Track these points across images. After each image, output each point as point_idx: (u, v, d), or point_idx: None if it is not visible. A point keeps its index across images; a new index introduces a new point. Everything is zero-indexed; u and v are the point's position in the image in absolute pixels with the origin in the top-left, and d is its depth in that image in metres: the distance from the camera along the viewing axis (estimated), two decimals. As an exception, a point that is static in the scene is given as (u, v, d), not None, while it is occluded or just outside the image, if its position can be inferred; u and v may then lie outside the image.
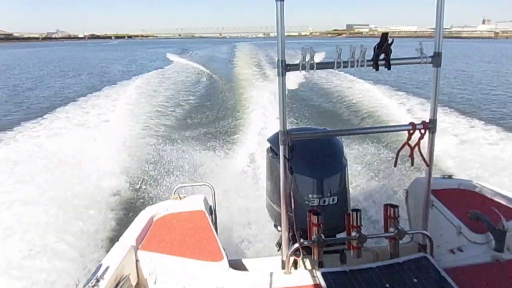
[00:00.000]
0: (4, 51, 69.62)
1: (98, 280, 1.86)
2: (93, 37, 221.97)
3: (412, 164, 2.08)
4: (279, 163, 2.13)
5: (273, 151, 2.58)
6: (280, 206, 2.23)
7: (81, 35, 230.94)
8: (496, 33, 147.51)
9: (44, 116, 11.09)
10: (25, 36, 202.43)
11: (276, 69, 1.93)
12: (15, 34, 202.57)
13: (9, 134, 8.99)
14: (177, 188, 2.81)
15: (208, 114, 12.20)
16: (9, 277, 3.67)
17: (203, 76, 22.36)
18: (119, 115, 10.90)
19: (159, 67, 27.44)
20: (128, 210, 5.24)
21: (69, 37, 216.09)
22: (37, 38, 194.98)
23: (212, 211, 2.74)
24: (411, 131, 2.04)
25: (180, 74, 22.69)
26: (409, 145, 2.06)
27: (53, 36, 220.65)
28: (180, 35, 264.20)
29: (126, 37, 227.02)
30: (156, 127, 10.15)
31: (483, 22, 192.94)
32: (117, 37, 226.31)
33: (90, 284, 1.83)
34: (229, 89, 17.23)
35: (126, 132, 9.02)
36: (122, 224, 4.67)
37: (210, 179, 5.61)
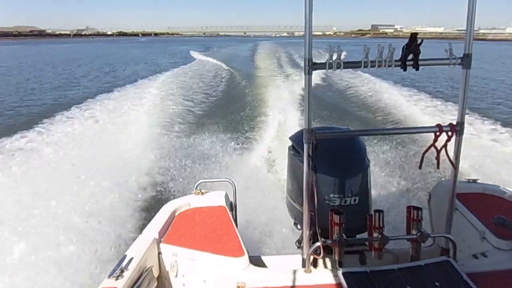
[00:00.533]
0: (47, 46, 74.18)
1: (122, 271, 1.90)
2: (121, 34, 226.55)
3: (438, 166, 2.03)
4: (301, 161, 2.10)
5: (295, 150, 2.56)
6: (301, 205, 2.21)
7: (109, 32, 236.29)
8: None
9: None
10: (57, 32, 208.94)
11: (303, 68, 1.90)
12: (48, 31, 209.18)
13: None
14: (199, 183, 2.83)
15: (229, 110, 12.22)
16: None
17: (224, 73, 22.52)
18: (146, 109, 11.18)
19: (185, 63, 28.39)
20: (151, 204, 5.28)
21: (98, 34, 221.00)
22: (68, 35, 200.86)
23: (233, 207, 2.74)
24: (438, 133, 1.98)
25: (203, 71, 22.89)
26: (435, 147, 2.00)
27: (83, 33, 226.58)
28: (205, 34, 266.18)
29: (153, 35, 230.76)
30: (178, 122, 10.18)
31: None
32: (144, 34, 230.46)
33: (115, 275, 1.87)
34: (249, 86, 17.27)
35: (151, 128, 9.11)
36: (144, 217, 4.74)
37: (230, 175, 5.63)
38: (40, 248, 3.99)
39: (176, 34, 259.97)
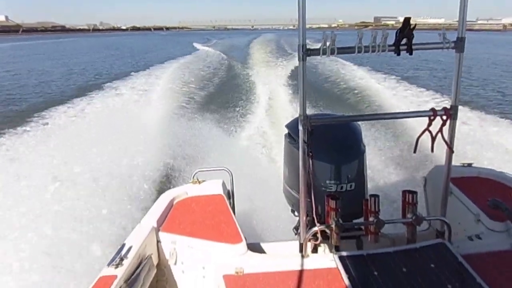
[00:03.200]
0: (84, 39, 75.27)
1: (122, 259, 1.86)
2: (134, 28, 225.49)
3: (432, 150, 1.94)
4: (297, 148, 2.03)
5: (291, 137, 2.48)
6: (297, 191, 2.14)
7: (123, 27, 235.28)
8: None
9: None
10: (77, 28, 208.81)
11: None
12: (67, 26, 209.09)
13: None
14: (196, 173, 2.76)
15: (224, 99, 11.98)
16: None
17: (222, 61, 22.58)
18: (145, 99, 11.04)
19: (188, 53, 28.78)
20: (148, 193, 5.10)
21: (113, 29, 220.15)
22: (88, 30, 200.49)
23: (230, 195, 2.68)
24: (432, 118, 1.89)
25: (204, 60, 22.85)
26: (429, 131, 1.91)
27: (100, 27, 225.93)
28: (214, 27, 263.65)
29: (164, 29, 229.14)
30: (174, 112, 9.76)
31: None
32: (155, 28, 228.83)
33: (114, 263, 1.83)
34: (245, 74, 17.15)
35: (147, 118, 8.79)
36: (142, 207, 4.58)
37: (227, 163, 5.52)
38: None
39: (186, 28, 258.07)
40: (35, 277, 3.40)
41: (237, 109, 10.44)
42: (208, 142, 6.95)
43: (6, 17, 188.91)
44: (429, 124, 1.91)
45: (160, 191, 3.29)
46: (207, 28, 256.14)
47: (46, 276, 3.42)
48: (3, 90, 15.33)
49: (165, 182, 5.54)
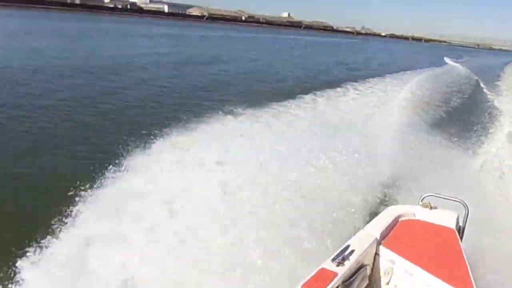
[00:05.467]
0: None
1: (343, 259, 1.84)
2: (392, 36, 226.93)
3: None
4: None
5: None
6: None
7: (383, 33, 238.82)
8: None
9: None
10: (340, 29, 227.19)
11: None
12: (334, 27, 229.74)
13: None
14: (427, 196, 2.54)
15: (461, 119, 10.87)
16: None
17: (470, 81, 20.97)
18: (395, 107, 10.64)
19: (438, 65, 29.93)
20: (366, 201, 4.63)
21: (374, 34, 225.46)
22: (352, 33, 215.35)
23: (461, 232, 2.43)
24: None
25: (450, 76, 21.85)
26: None
27: (362, 31, 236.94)
28: (478, 45, 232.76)
29: (423, 41, 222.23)
30: (410, 123, 8.93)
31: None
32: (413, 38, 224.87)
33: (337, 260, 1.83)
34: (492, 97, 16.13)
35: (384, 123, 8.38)
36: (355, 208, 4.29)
37: (456, 194, 3.68)
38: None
39: (445, 42, 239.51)
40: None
41: (473, 131, 9.11)
42: (436, 164, 6.15)
43: (289, 14, 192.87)
44: None
45: (377, 202, 3.32)
46: (467, 44, 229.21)
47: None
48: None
49: (382, 194, 5.07)
